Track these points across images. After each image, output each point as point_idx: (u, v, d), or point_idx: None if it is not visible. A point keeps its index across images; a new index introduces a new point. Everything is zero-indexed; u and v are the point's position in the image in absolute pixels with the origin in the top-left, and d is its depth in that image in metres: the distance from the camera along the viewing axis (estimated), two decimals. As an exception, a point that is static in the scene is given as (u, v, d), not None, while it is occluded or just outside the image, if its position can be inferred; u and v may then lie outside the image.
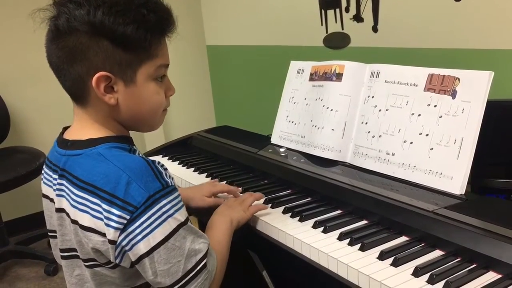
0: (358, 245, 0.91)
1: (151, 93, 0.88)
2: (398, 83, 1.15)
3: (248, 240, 1.15)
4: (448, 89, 1.05)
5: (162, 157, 1.61)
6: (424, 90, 1.09)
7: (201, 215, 1.25)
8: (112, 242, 0.80)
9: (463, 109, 1.01)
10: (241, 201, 1.10)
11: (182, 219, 0.83)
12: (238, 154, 1.47)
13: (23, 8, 2.53)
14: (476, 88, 1.00)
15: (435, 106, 1.07)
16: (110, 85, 0.84)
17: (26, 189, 2.41)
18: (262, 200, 1.15)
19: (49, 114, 2.78)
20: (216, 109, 2.80)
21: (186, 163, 1.50)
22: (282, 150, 1.39)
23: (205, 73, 2.79)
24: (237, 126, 1.82)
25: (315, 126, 1.32)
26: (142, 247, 0.79)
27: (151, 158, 0.87)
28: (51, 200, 0.94)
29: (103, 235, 0.81)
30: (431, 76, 1.09)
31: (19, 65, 2.68)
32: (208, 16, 2.57)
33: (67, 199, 0.87)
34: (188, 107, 2.90)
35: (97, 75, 0.82)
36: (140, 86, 0.86)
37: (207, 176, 1.38)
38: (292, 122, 1.42)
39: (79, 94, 0.86)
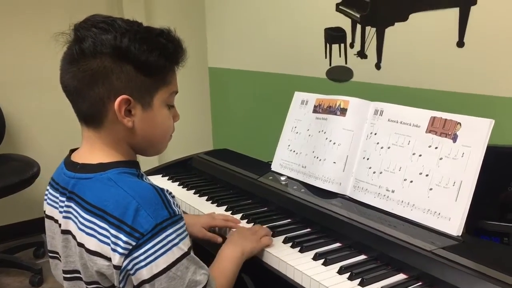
0: (358, 280, 0.93)
1: (164, 118, 0.92)
2: (401, 122, 1.19)
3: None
4: (450, 133, 1.09)
5: (162, 176, 1.62)
6: (426, 132, 1.13)
7: (200, 243, 1.25)
8: (117, 267, 0.81)
9: (463, 153, 1.05)
10: (254, 231, 1.12)
11: (186, 249, 0.84)
12: (239, 179, 1.49)
13: (21, 16, 2.59)
14: (476, 134, 1.04)
15: (436, 148, 1.10)
16: (128, 109, 0.86)
17: (15, 198, 2.40)
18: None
19: (45, 124, 2.78)
20: (214, 132, 2.81)
21: (186, 185, 1.52)
22: (282, 178, 1.41)
23: (205, 95, 2.81)
24: (234, 150, 1.85)
25: (317, 157, 1.35)
26: (145, 273, 0.80)
27: (153, 177, 0.89)
28: (56, 221, 0.95)
29: (109, 259, 0.82)
30: (433, 118, 1.13)
31: (17, 73, 2.69)
32: (213, 38, 2.62)
33: (74, 222, 0.88)
34: (185, 128, 2.91)
35: (120, 97, 0.84)
36: (156, 110, 0.90)
37: (207, 200, 1.40)
38: (294, 151, 1.45)
39: (96, 117, 0.88)
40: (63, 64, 0.88)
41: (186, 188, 1.50)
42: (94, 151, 0.90)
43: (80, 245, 0.86)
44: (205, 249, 1.16)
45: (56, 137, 2.81)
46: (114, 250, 0.80)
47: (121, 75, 0.84)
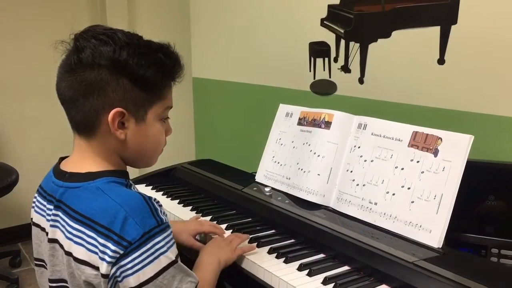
0: (342, 291, 0.95)
1: (156, 132, 0.93)
2: (384, 136, 1.22)
3: (224, 272, 1.17)
4: (431, 147, 1.12)
5: (146, 186, 1.62)
6: (408, 146, 1.17)
7: (183, 251, 1.26)
8: (104, 276, 0.81)
9: (443, 168, 1.09)
10: (228, 242, 1.13)
11: (173, 257, 0.84)
12: (223, 190, 1.50)
13: (2, 23, 2.55)
14: (457, 149, 1.08)
15: (417, 162, 1.14)
16: (121, 121, 0.87)
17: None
18: (247, 240, 1.18)
19: (25, 131, 2.75)
20: (197, 142, 2.81)
21: (170, 195, 1.52)
22: (267, 189, 1.43)
23: (188, 105, 2.81)
24: (217, 161, 1.86)
25: (301, 169, 1.37)
26: (132, 282, 0.80)
27: (137, 187, 0.91)
28: (43, 229, 0.95)
29: (97, 268, 0.82)
30: (415, 133, 1.16)
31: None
32: (197, 48, 2.63)
33: (61, 231, 0.88)
34: (168, 137, 2.92)
35: (115, 110, 0.85)
36: (148, 124, 0.91)
37: (191, 210, 1.40)
38: (278, 163, 1.46)
39: (89, 127, 0.88)
40: (60, 72, 0.88)
41: (170, 198, 1.50)
42: (84, 160, 0.91)
43: (68, 254, 0.86)
44: (185, 256, 1.16)
45: (35, 144, 2.78)
46: (102, 259, 0.81)
47: (117, 88, 0.85)
